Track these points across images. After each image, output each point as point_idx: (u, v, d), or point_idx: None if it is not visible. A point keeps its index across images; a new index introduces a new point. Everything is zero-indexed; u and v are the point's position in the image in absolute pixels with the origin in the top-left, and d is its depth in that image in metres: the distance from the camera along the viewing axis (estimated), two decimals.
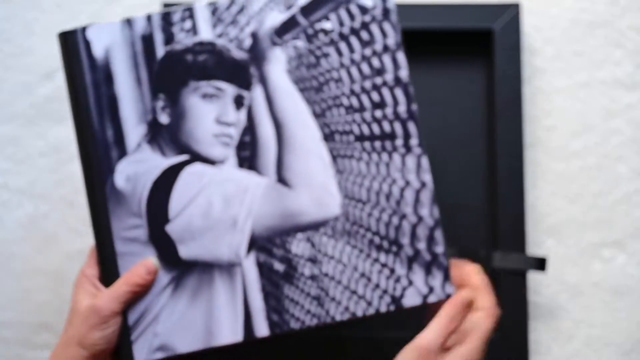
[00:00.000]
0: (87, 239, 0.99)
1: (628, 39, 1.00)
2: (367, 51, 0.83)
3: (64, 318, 0.94)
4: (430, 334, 0.74)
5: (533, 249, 0.98)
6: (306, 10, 0.83)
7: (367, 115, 0.82)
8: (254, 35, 0.83)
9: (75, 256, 0.98)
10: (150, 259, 0.80)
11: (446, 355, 0.74)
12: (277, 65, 0.83)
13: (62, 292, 0.98)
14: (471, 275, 0.80)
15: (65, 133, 1.00)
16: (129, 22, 0.83)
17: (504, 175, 0.95)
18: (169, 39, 0.83)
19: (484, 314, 0.76)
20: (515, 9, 0.97)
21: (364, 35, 0.83)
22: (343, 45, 0.83)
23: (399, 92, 0.82)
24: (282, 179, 0.82)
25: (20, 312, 0.97)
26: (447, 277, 0.80)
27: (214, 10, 0.83)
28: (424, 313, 0.80)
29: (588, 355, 0.96)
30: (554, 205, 0.98)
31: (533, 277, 0.98)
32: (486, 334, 0.76)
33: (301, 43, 0.83)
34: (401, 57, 0.82)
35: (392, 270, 0.81)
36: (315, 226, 0.81)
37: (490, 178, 0.98)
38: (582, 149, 0.99)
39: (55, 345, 0.77)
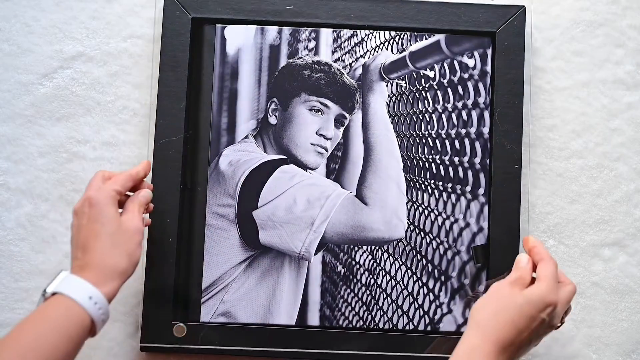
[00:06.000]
0: None
1: (629, 38, 0.99)
2: (459, 103, 0.94)
3: None
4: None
5: None
6: (415, 57, 0.95)
7: (446, 158, 0.94)
8: (365, 67, 0.95)
9: None
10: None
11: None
12: (380, 97, 0.95)
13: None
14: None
15: (65, 132, 0.97)
16: (262, 31, 0.95)
17: (501, 176, 0.93)
18: (293, 53, 0.95)
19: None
20: (521, 13, 0.96)
21: (460, 89, 0.94)
22: (440, 93, 0.95)
23: (477, 146, 0.93)
24: (360, 195, 0.93)
25: (19, 313, 0.95)
26: None
27: (337, 37, 0.95)
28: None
29: (588, 355, 0.95)
30: (554, 205, 0.97)
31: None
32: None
33: (404, 83, 0.95)
34: (487, 115, 0.93)
35: (437, 297, 0.92)
36: (380, 243, 0.93)
37: (489, 177, 0.94)
38: (582, 149, 0.97)
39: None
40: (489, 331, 0.75)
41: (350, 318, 0.93)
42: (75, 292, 0.75)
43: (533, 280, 0.81)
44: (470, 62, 0.94)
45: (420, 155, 0.94)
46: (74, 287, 0.75)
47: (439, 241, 0.93)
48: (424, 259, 0.93)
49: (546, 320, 0.78)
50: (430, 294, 0.92)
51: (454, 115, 0.94)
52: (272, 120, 0.95)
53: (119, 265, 0.78)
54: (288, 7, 0.94)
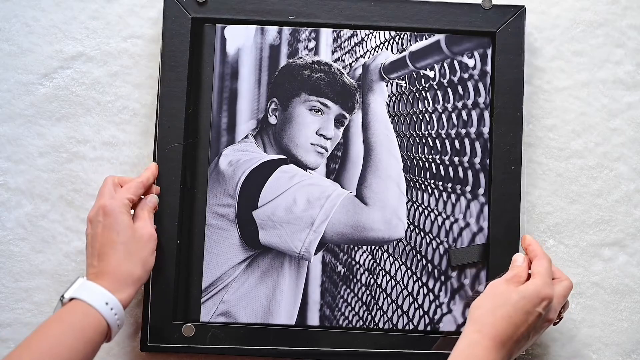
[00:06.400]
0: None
1: (629, 38, 0.99)
2: (459, 103, 0.94)
3: None
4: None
5: None
6: (415, 56, 0.95)
7: (446, 158, 0.94)
8: (365, 67, 0.95)
9: (74, 256, 0.96)
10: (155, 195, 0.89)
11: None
12: (380, 97, 0.95)
13: (61, 292, 0.93)
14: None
15: (65, 132, 0.97)
16: (262, 30, 0.95)
17: (501, 176, 0.93)
18: (293, 52, 0.95)
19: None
20: (520, 13, 0.95)
21: (460, 89, 0.94)
22: (440, 93, 0.95)
23: (477, 146, 0.93)
24: (360, 195, 0.93)
25: (19, 313, 0.95)
26: None
27: (337, 37, 0.95)
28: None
29: (588, 355, 0.95)
30: (554, 205, 0.97)
31: None
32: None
33: (404, 83, 0.95)
34: (487, 115, 0.93)
35: (437, 297, 0.92)
36: (380, 243, 0.93)
37: (488, 177, 0.94)
38: (582, 149, 0.98)
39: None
40: (487, 327, 0.77)
41: (350, 318, 0.93)
42: (92, 298, 0.77)
43: (529, 277, 0.82)
44: (470, 62, 0.94)
45: (420, 155, 0.94)
46: (91, 293, 0.78)
47: (439, 241, 0.93)
48: (424, 259, 0.93)
49: (542, 314, 0.79)
50: (430, 294, 0.92)
51: (454, 115, 0.94)
52: (272, 120, 0.95)
53: (134, 273, 0.81)
54: (291, 17, 0.94)
